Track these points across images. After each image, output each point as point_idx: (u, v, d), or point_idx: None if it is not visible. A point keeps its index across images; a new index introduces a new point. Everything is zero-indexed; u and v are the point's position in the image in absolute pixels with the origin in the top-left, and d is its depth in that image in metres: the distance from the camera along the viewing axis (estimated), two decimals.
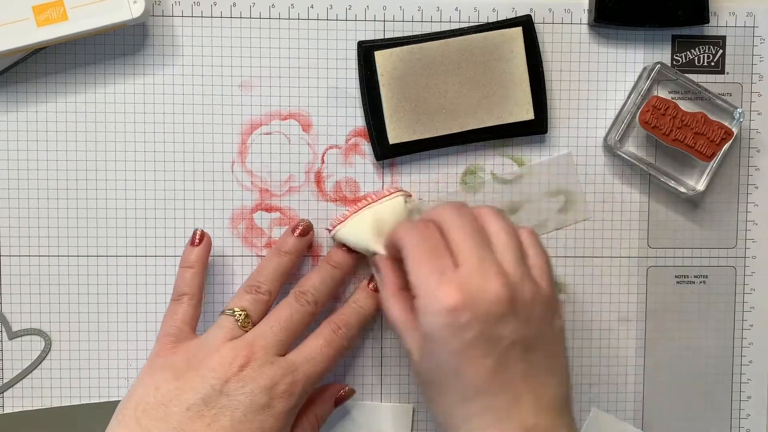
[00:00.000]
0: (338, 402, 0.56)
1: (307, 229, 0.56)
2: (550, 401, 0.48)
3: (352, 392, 0.57)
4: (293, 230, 0.56)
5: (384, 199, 0.55)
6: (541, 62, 0.56)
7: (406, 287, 0.50)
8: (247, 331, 0.52)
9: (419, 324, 0.47)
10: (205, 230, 0.56)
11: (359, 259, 0.56)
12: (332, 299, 0.57)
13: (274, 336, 0.51)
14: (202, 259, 0.55)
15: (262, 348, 0.50)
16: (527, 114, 0.56)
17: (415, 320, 0.48)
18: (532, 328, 0.47)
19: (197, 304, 0.54)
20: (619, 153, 0.57)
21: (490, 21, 0.57)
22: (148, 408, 0.49)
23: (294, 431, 0.52)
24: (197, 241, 0.55)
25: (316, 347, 0.52)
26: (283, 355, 0.51)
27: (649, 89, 0.57)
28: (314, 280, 0.54)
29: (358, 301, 0.56)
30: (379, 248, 0.54)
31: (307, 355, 0.51)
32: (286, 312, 0.52)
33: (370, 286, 0.56)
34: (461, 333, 0.45)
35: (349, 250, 0.56)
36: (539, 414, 0.47)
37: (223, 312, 0.53)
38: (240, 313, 0.52)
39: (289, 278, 0.55)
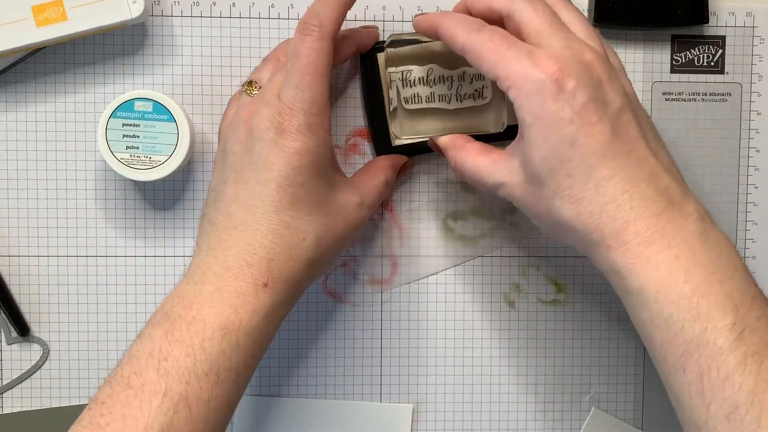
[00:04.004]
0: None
1: None
2: (672, 168, 0.46)
3: (411, 164, 0.56)
4: None
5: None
6: None
7: None
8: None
9: (520, 121, 0.45)
10: None
11: None
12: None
13: (287, 81, 0.47)
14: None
15: (261, 101, 0.48)
16: None
17: (494, 152, 0.48)
18: (631, 99, 0.46)
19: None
20: None
21: None
22: None
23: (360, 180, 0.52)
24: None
25: (293, 72, 0.47)
26: None
27: None
28: (314, 5, 0.48)
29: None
30: None
31: (289, 84, 0.47)
32: (291, 50, 0.48)
33: None
34: (571, 99, 0.43)
35: None
36: (666, 176, 0.44)
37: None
38: (247, 82, 0.51)
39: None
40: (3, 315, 0.56)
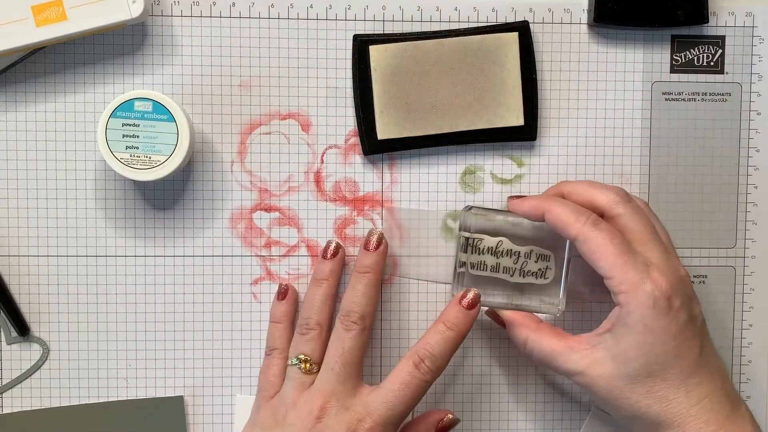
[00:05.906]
0: None
1: (337, 249, 0.56)
2: (728, 374, 0.53)
3: (455, 421, 0.55)
4: (324, 254, 0.56)
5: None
6: (535, 70, 0.56)
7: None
8: (314, 373, 0.53)
9: (625, 324, 0.49)
10: (291, 284, 0.57)
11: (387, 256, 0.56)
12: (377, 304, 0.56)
13: (338, 377, 0.51)
14: (290, 315, 0.56)
15: (333, 394, 0.51)
16: (517, 120, 0.56)
17: (569, 338, 0.51)
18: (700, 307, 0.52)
19: (287, 356, 0.55)
20: None
21: (489, 21, 0.57)
22: None
23: None
24: (282, 296, 0.57)
25: (392, 390, 0.50)
26: (357, 388, 0.52)
27: None
28: (353, 297, 0.54)
29: (447, 322, 0.52)
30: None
31: (383, 399, 0.50)
32: (339, 346, 0.52)
33: (463, 302, 0.52)
34: (677, 317, 0.49)
35: (376, 247, 0.55)
36: (728, 380, 0.51)
37: (289, 363, 0.54)
38: (301, 358, 0.53)
39: (335, 300, 0.56)
40: (3, 315, 0.56)
